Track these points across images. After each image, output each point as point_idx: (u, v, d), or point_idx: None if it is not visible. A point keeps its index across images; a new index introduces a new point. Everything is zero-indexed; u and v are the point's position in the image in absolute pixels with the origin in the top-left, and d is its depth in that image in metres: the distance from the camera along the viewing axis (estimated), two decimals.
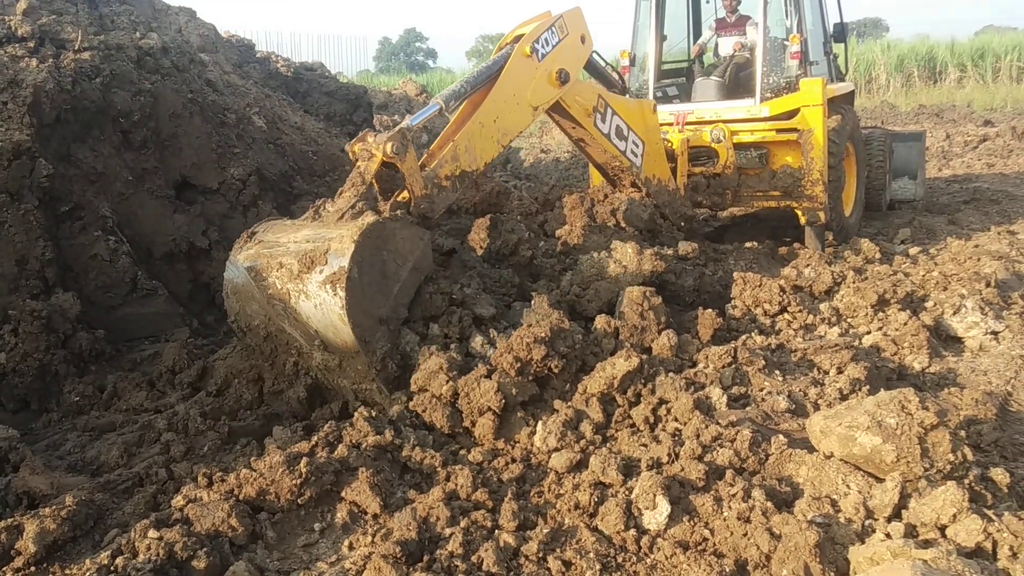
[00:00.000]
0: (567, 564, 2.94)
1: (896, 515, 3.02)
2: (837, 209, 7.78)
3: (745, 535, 2.97)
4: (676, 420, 3.87)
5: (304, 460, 3.39)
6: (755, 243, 7.53)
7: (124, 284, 6.10)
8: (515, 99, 5.40)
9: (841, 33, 8.95)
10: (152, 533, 3.05)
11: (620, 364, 4.08)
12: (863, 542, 2.90)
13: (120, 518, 3.43)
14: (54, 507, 3.29)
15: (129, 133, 6.86)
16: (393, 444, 3.68)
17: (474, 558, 2.97)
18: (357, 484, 3.37)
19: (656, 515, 3.12)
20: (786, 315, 5.45)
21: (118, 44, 7.22)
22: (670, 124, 7.51)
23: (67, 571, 3.05)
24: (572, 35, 5.94)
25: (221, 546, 3.06)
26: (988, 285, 5.73)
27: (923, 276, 6.25)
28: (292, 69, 12.09)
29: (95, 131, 6.62)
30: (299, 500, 3.32)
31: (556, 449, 3.72)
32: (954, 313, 5.31)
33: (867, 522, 3.02)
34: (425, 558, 2.97)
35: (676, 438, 3.70)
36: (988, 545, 2.80)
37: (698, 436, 3.63)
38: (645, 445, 3.69)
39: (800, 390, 4.16)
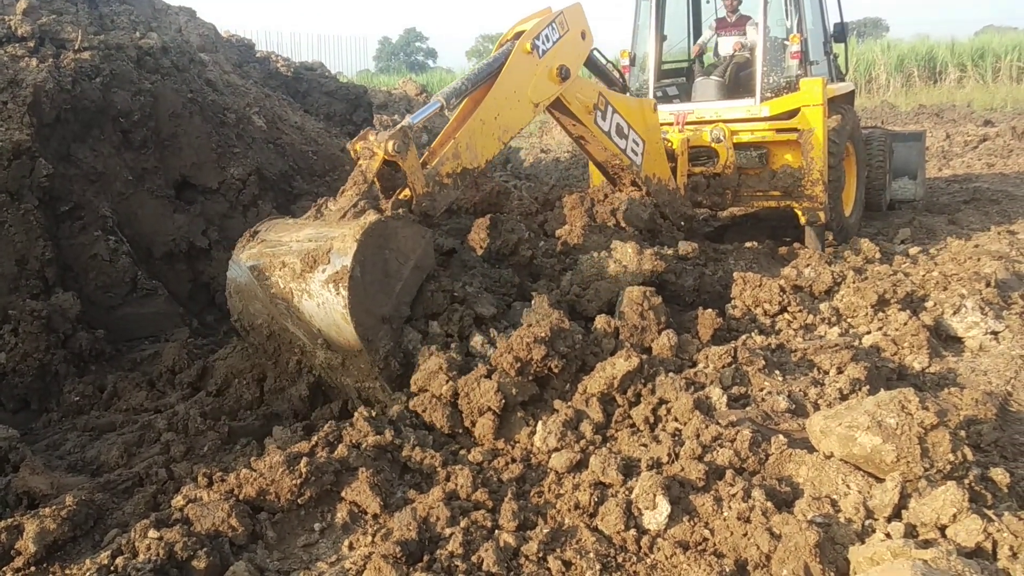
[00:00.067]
0: (567, 564, 2.94)
1: (896, 515, 3.02)
2: (837, 209, 7.78)
3: (745, 535, 2.97)
4: (676, 420, 3.88)
5: (304, 460, 3.39)
6: (755, 243, 7.53)
7: (124, 284, 6.10)
8: (516, 96, 5.40)
9: (841, 33, 8.95)
10: (152, 533, 3.05)
11: (620, 364, 4.08)
12: (863, 542, 2.90)
13: (120, 518, 3.43)
14: (54, 507, 3.29)
15: (129, 133, 6.86)
16: (393, 444, 3.68)
17: (474, 558, 2.97)
18: (357, 484, 3.37)
19: (656, 515, 3.12)
20: (786, 315, 5.45)
21: (118, 44, 7.22)
22: (670, 124, 7.51)
23: (67, 571, 3.05)
24: (573, 31, 5.94)
25: (221, 546, 3.06)
26: (988, 285, 5.73)
27: (923, 276, 6.25)
28: (292, 69, 12.09)
29: (95, 131, 6.62)
30: (299, 500, 3.32)
31: (556, 449, 3.72)
32: (954, 313, 5.31)
33: (867, 522, 3.02)
34: (425, 558, 2.97)
35: (676, 438, 3.70)
36: (988, 545, 2.80)
37: (698, 436, 3.63)
38: (645, 445, 3.69)
39: (800, 390, 4.16)
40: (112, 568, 2.95)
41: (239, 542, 3.14)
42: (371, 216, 4.24)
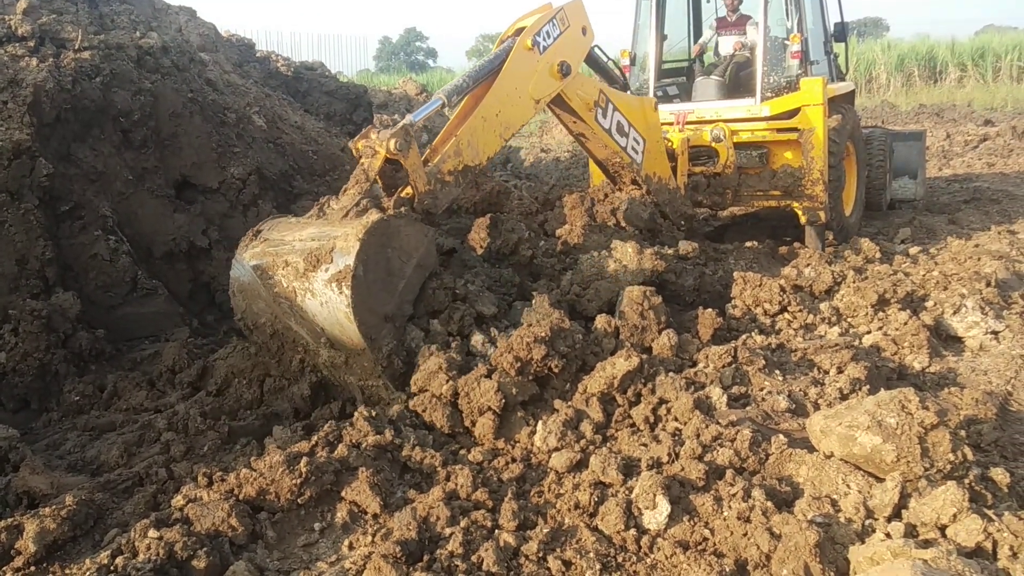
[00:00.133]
0: (567, 564, 2.94)
1: (896, 515, 3.02)
2: (837, 209, 7.78)
3: (745, 535, 2.97)
4: (676, 420, 3.87)
5: (304, 460, 3.39)
6: (755, 243, 7.53)
7: (124, 284, 6.10)
8: (517, 93, 5.41)
9: (841, 32, 8.95)
10: (152, 533, 3.05)
11: (620, 364, 4.08)
12: (863, 542, 2.90)
13: (120, 518, 3.43)
14: (54, 507, 3.29)
15: (129, 132, 6.86)
16: (393, 444, 3.68)
17: (474, 558, 2.97)
18: (357, 484, 3.37)
19: (656, 515, 3.12)
20: (786, 315, 5.45)
21: (118, 43, 7.22)
22: (670, 123, 7.50)
23: (67, 571, 3.05)
24: (573, 27, 5.94)
25: (221, 546, 3.06)
26: (988, 285, 5.73)
27: (923, 276, 6.25)
28: (292, 68, 12.09)
29: (95, 130, 6.62)
30: (299, 500, 3.32)
31: (556, 449, 3.72)
32: (954, 313, 5.31)
33: (867, 522, 3.02)
34: (425, 558, 2.97)
35: (676, 438, 3.70)
36: (988, 545, 2.80)
37: (698, 436, 3.63)
38: (645, 445, 3.69)
39: (800, 390, 4.16)
40: (112, 568, 2.95)
41: (239, 542, 3.14)
42: (373, 215, 4.25)
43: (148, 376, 5.17)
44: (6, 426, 4.26)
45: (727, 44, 8.55)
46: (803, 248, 7.47)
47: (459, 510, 3.26)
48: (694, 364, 4.58)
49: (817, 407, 3.93)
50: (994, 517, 2.89)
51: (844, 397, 3.99)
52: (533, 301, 4.68)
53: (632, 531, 3.08)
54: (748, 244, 7.43)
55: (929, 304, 5.50)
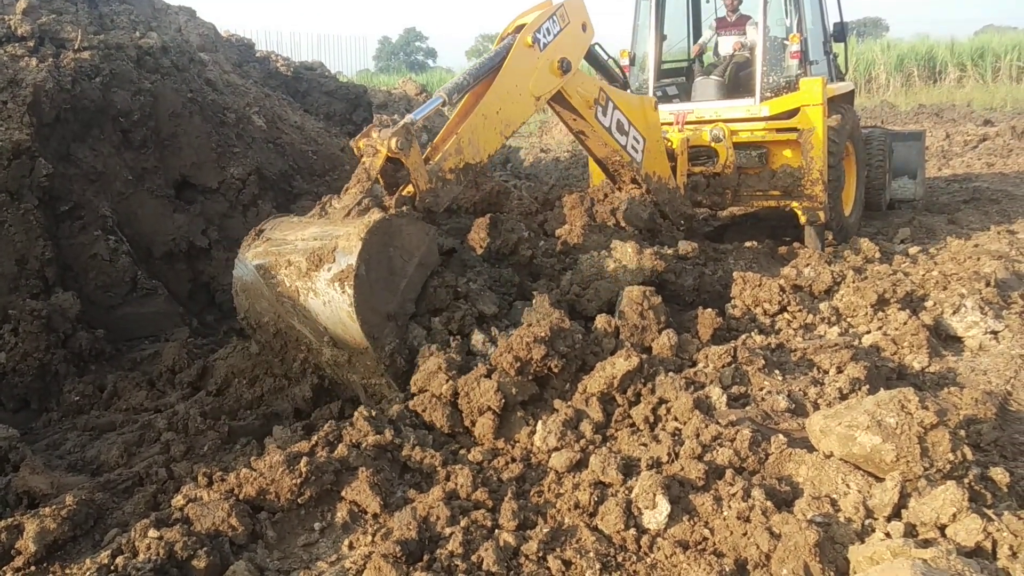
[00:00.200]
0: (567, 564, 2.94)
1: (896, 514, 3.02)
2: (837, 208, 7.78)
3: (745, 534, 2.97)
4: (676, 420, 3.88)
5: (304, 460, 3.39)
6: (755, 242, 7.53)
7: (124, 284, 6.10)
8: (517, 90, 5.41)
9: (841, 32, 8.95)
10: (152, 533, 3.06)
11: (620, 364, 4.08)
12: (863, 541, 2.90)
13: (120, 518, 3.43)
14: (54, 507, 3.29)
15: (129, 132, 6.86)
16: (393, 444, 3.68)
17: (474, 557, 2.97)
18: (357, 484, 3.37)
19: (656, 514, 3.12)
20: (786, 315, 5.45)
21: (118, 43, 7.22)
22: (670, 123, 7.51)
23: (67, 571, 3.06)
24: (573, 24, 5.95)
25: (221, 546, 3.06)
26: (988, 284, 5.73)
27: (923, 276, 6.25)
28: (292, 69, 12.09)
29: (95, 130, 6.62)
30: (299, 500, 3.32)
31: (556, 449, 3.72)
32: (954, 313, 5.31)
33: (867, 521, 3.02)
34: (425, 557, 2.97)
35: (676, 438, 3.70)
36: (988, 544, 2.80)
37: (698, 435, 3.63)
38: (645, 445, 3.69)
39: (800, 389, 4.16)
40: (112, 568, 2.95)
41: (239, 542, 3.14)
42: (375, 214, 4.26)
43: (148, 376, 5.18)
44: (6, 426, 4.26)
45: (727, 44, 8.55)
46: (803, 248, 7.47)
47: (459, 510, 3.26)
48: (694, 364, 4.58)
49: (817, 407, 3.93)
50: (994, 517, 2.89)
51: (844, 397, 3.99)
52: (534, 300, 4.68)
53: (632, 531, 3.08)
54: (748, 244, 7.43)
55: (929, 304, 5.51)
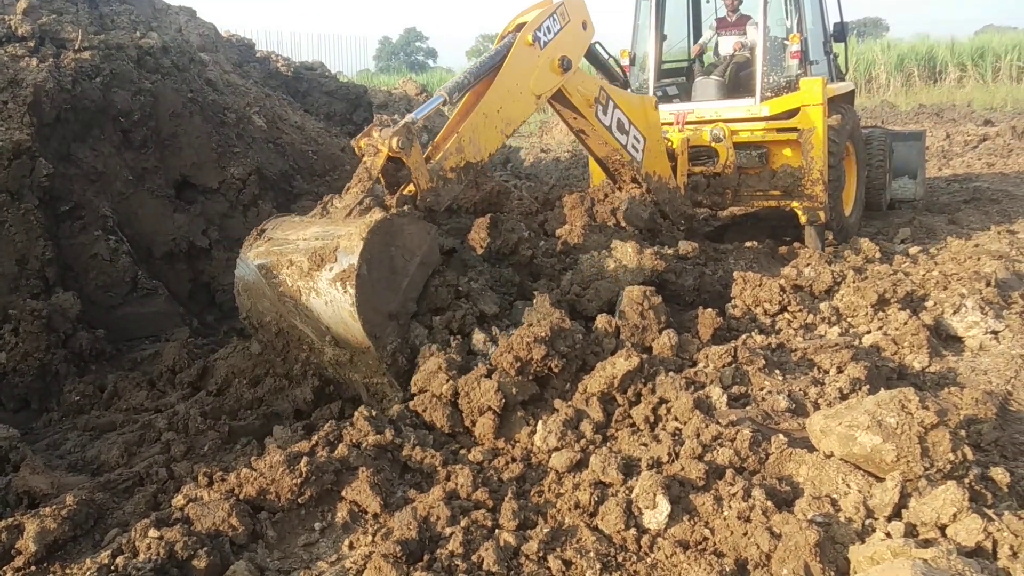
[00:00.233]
0: (567, 563, 2.94)
1: (896, 514, 3.02)
2: (837, 208, 7.78)
3: (745, 534, 2.97)
4: (676, 419, 3.87)
5: (304, 460, 3.39)
6: (755, 242, 7.53)
7: (124, 284, 6.10)
8: (518, 88, 5.42)
9: (841, 32, 8.95)
10: (152, 532, 3.06)
11: (620, 363, 4.08)
12: (863, 541, 2.90)
13: (120, 517, 3.43)
14: (54, 507, 3.29)
15: (129, 132, 6.86)
16: (393, 444, 3.68)
17: (474, 557, 2.97)
18: (357, 483, 3.37)
19: (656, 514, 3.12)
20: (786, 314, 5.45)
21: (118, 44, 7.22)
22: (670, 123, 7.51)
23: (67, 571, 3.06)
24: (574, 21, 5.95)
25: (221, 545, 3.06)
26: (988, 284, 5.73)
27: (923, 275, 6.25)
28: (292, 69, 12.10)
29: (95, 130, 6.63)
30: (299, 499, 3.32)
31: (556, 448, 3.72)
32: (954, 312, 5.31)
33: (867, 521, 3.02)
34: (425, 557, 2.97)
35: (676, 437, 3.70)
36: (988, 544, 2.80)
37: (698, 435, 3.63)
38: (645, 444, 3.69)
39: (800, 389, 4.16)
40: (112, 568, 2.95)
41: (239, 541, 3.14)
42: (377, 214, 4.26)
43: (148, 376, 5.18)
44: (6, 426, 4.26)
45: (727, 44, 8.55)
46: (803, 248, 7.48)
47: (459, 510, 3.26)
48: (694, 364, 4.58)
49: (817, 407, 3.93)
50: (994, 517, 2.89)
51: (844, 397, 3.99)
52: (535, 300, 4.68)
53: (632, 531, 3.08)
54: (748, 244, 7.43)
55: (929, 304, 5.50)
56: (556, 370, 4.08)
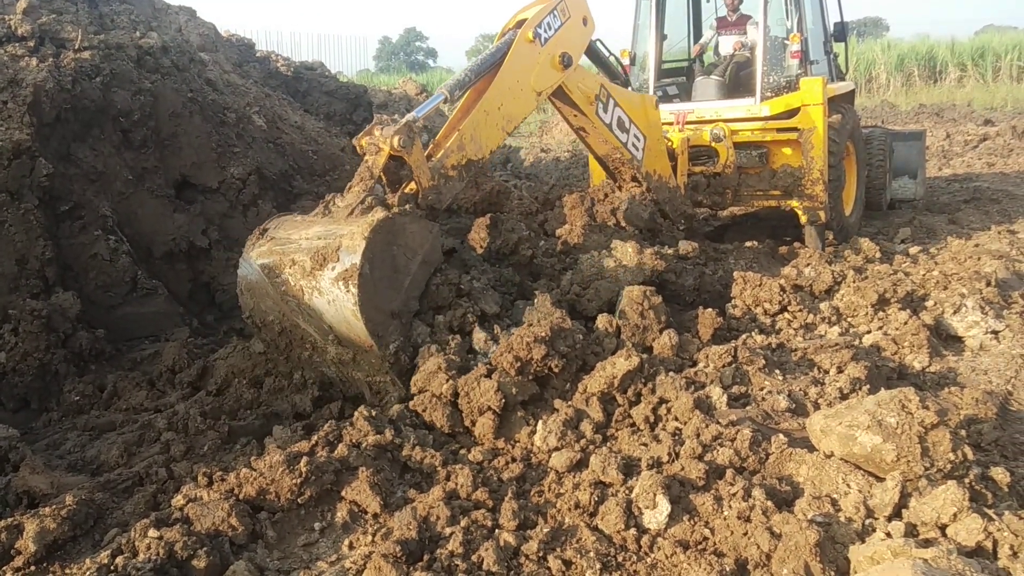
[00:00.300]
0: (567, 563, 2.94)
1: (896, 514, 3.02)
2: (837, 208, 7.78)
3: (745, 534, 2.97)
4: (676, 419, 3.87)
5: (304, 459, 3.39)
6: (755, 242, 7.53)
7: (124, 283, 6.10)
8: (519, 85, 5.42)
9: (841, 32, 8.95)
10: (152, 532, 3.05)
11: (620, 363, 4.08)
12: (863, 541, 2.90)
13: (120, 517, 3.43)
14: (54, 506, 3.29)
15: (129, 132, 6.86)
16: (393, 443, 3.68)
17: (474, 557, 2.96)
18: (357, 483, 3.37)
19: (656, 514, 3.12)
20: (786, 314, 5.45)
21: (118, 43, 7.22)
22: (670, 123, 7.51)
23: (67, 570, 3.06)
24: (574, 18, 5.95)
25: (221, 545, 3.06)
26: (988, 284, 5.73)
27: (923, 275, 6.25)
28: (292, 68, 12.10)
29: (95, 130, 6.62)
30: (299, 499, 3.32)
31: (556, 448, 3.72)
32: (954, 312, 5.31)
33: (867, 521, 3.02)
34: (425, 557, 2.97)
35: (676, 437, 3.70)
36: (988, 544, 2.80)
37: (698, 435, 3.63)
38: (645, 444, 3.69)
39: (800, 389, 4.16)
40: (112, 567, 2.95)
41: (239, 541, 3.14)
42: (379, 213, 4.26)
43: (148, 376, 5.17)
44: (6, 426, 4.26)
45: (727, 44, 8.55)
46: (803, 248, 7.47)
47: (459, 510, 3.26)
48: (694, 364, 4.57)
49: (817, 407, 3.93)
50: (994, 516, 2.89)
51: (844, 397, 3.99)
52: (535, 300, 4.68)
53: (632, 531, 3.08)
54: (748, 244, 7.43)
55: (929, 304, 5.50)
56: (556, 370, 4.08)
